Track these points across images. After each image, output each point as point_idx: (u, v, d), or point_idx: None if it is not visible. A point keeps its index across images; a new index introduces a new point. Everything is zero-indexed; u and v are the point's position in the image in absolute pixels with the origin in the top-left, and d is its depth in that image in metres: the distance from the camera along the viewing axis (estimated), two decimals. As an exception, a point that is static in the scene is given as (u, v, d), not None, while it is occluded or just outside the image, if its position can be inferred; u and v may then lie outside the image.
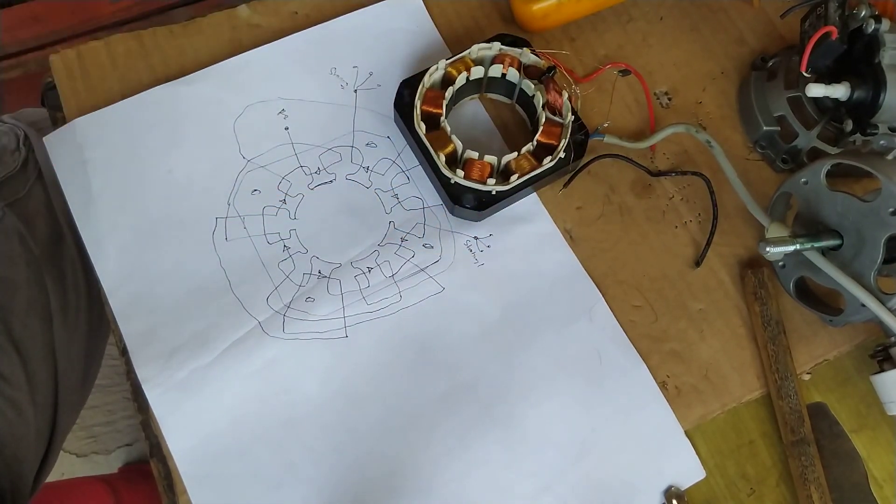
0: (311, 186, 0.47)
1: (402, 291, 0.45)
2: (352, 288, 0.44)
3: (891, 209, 0.39)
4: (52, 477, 0.56)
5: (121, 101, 0.47)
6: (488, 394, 0.43)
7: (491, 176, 0.45)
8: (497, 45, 0.47)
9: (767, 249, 0.42)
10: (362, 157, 0.48)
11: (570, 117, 0.45)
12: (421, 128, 0.45)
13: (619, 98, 0.51)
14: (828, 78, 0.47)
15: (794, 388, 0.44)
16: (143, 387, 0.42)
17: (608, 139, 0.48)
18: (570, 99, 0.46)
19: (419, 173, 0.48)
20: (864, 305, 0.41)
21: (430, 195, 0.47)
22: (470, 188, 0.45)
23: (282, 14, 0.51)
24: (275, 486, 0.41)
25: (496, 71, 0.48)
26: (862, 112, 0.46)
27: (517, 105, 0.50)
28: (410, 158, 0.48)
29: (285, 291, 0.44)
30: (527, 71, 0.48)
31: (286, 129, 0.48)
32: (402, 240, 0.46)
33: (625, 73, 0.51)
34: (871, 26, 0.45)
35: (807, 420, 0.44)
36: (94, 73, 0.48)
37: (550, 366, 0.44)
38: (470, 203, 0.45)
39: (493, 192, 0.45)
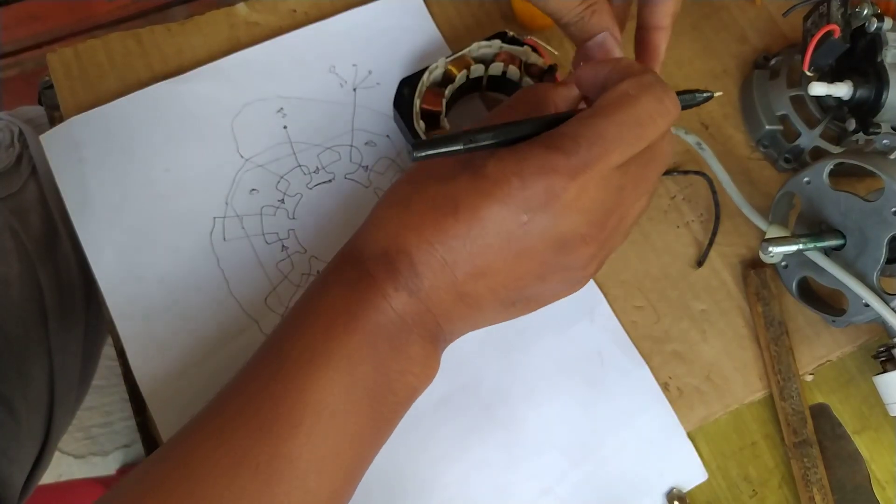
0: (309, 186, 0.47)
1: (402, 291, 0.44)
2: (351, 288, 0.44)
3: (894, 209, 0.39)
4: (48, 479, 0.56)
5: (118, 100, 0.47)
6: (489, 395, 0.43)
7: (491, 175, 0.44)
8: (498, 43, 0.47)
9: (770, 250, 0.42)
10: (361, 156, 0.48)
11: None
12: (421, 126, 0.45)
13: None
14: (830, 77, 0.47)
15: (796, 390, 0.44)
16: (141, 388, 0.41)
17: None
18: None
19: (419, 172, 0.47)
20: (867, 306, 0.41)
21: (430, 194, 0.47)
22: (470, 187, 0.44)
23: (280, 12, 0.51)
24: (273, 488, 0.40)
25: (497, 69, 0.47)
26: (865, 111, 0.46)
27: (518, 104, 0.50)
28: (410, 157, 0.48)
29: (284, 292, 0.44)
30: (528, 69, 0.47)
31: (284, 127, 0.48)
32: (402, 239, 0.46)
33: None
34: (874, 25, 0.44)
35: (809, 421, 0.44)
36: (92, 71, 0.48)
37: (551, 367, 0.44)
38: (470, 202, 0.44)
39: (494, 192, 0.44)
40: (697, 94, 0.36)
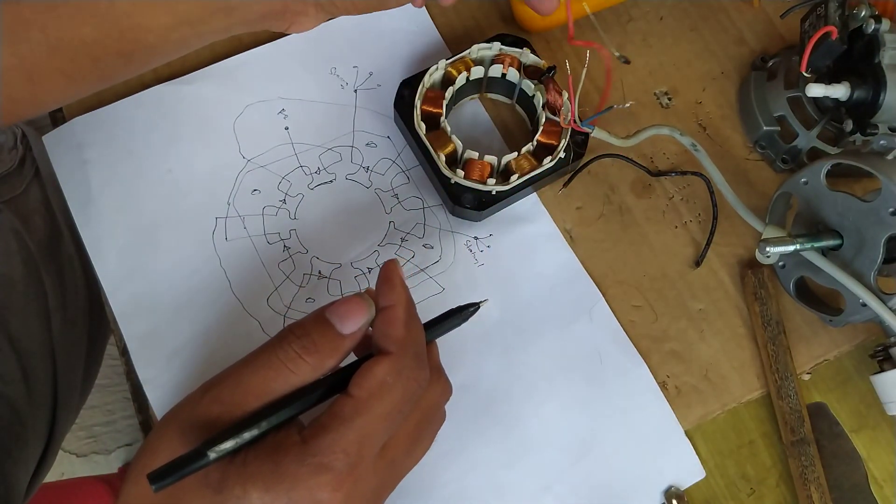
0: (311, 186, 0.47)
1: (403, 291, 0.45)
2: (352, 288, 0.44)
3: (891, 209, 0.39)
4: (51, 477, 0.56)
5: (121, 100, 0.47)
6: (488, 394, 0.43)
7: (491, 176, 0.45)
8: (497, 45, 0.47)
9: (767, 250, 0.42)
10: (362, 156, 0.48)
11: (570, 117, 0.45)
12: (421, 128, 0.45)
13: (618, 99, 0.51)
14: (828, 78, 0.47)
15: (794, 388, 0.44)
16: (144, 387, 0.42)
17: (597, 133, 0.46)
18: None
19: (419, 173, 0.48)
20: (864, 305, 0.41)
21: (430, 195, 0.47)
22: (470, 188, 0.45)
23: (282, 14, 0.51)
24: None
25: (496, 71, 0.48)
26: (862, 112, 0.46)
27: (517, 105, 0.50)
28: (410, 158, 0.48)
29: (285, 292, 0.44)
30: (527, 71, 0.48)
31: (286, 128, 0.48)
32: (402, 240, 0.46)
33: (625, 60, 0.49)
34: (871, 26, 0.44)
35: (807, 420, 0.44)
36: (94, 72, 0.48)
37: (550, 366, 0.44)
38: (470, 203, 0.45)
39: (493, 192, 0.45)
40: (448, 323, 0.35)
